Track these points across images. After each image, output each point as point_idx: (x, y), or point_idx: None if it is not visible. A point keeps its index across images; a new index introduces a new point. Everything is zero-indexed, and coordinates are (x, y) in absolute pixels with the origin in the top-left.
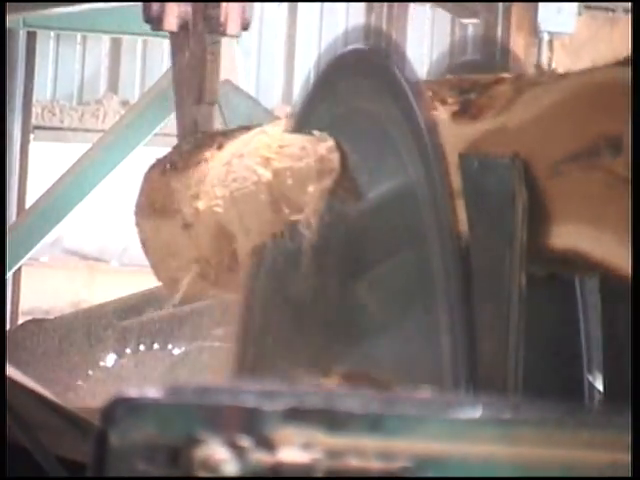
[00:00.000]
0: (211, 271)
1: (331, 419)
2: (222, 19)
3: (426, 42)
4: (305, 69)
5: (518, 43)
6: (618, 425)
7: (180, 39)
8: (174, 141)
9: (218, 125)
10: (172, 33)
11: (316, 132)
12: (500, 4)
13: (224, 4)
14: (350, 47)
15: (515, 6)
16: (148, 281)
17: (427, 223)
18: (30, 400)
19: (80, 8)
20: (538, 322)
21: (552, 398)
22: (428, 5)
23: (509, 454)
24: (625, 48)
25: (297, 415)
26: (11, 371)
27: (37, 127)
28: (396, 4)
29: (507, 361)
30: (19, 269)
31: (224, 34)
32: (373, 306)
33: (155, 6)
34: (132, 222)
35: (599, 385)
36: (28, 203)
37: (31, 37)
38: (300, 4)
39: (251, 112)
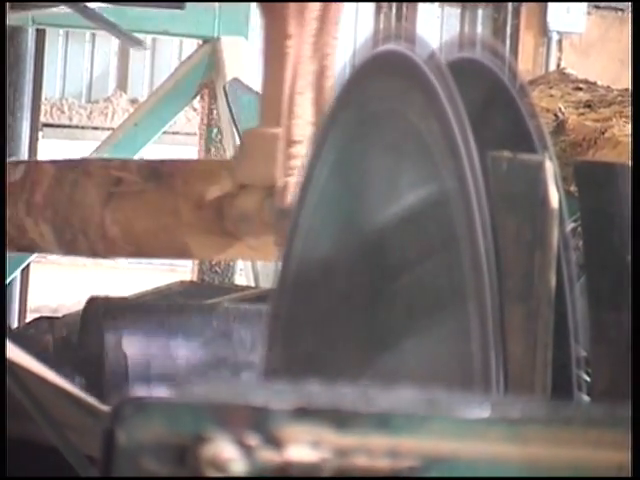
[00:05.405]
0: None
1: (339, 417)
2: None
3: (435, 42)
4: None
5: (527, 43)
6: (627, 424)
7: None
8: (183, 139)
9: (226, 123)
10: None
11: None
12: (509, 3)
13: None
14: (384, 47)
15: (524, 5)
16: (157, 279)
17: (458, 225)
18: (59, 398)
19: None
20: None
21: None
22: (437, 4)
23: (518, 453)
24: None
25: (305, 413)
26: (38, 367)
27: (46, 125)
28: (405, 3)
29: (536, 362)
30: (27, 266)
31: None
32: (403, 308)
33: None
34: None
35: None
36: None
37: (40, 35)
38: None
39: None
